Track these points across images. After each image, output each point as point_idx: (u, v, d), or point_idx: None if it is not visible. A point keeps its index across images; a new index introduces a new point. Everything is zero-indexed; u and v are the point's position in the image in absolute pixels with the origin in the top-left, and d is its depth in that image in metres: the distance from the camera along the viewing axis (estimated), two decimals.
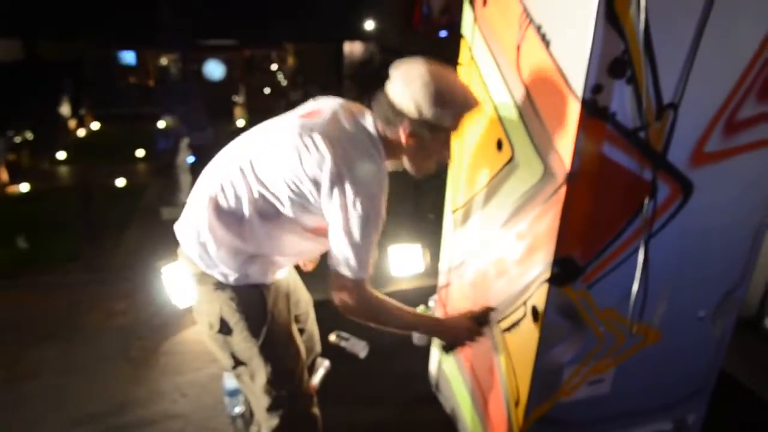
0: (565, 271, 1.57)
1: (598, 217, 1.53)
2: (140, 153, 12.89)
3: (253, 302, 1.66)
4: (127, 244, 8.38)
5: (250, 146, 1.62)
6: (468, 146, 2.02)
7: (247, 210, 1.57)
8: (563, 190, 1.47)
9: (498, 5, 1.72)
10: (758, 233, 1.79)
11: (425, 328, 1.84)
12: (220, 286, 1.63)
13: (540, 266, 1.60)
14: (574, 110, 1.41)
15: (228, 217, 1.59)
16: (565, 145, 1.45)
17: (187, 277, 1.72)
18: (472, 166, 2.01)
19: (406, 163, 1.63)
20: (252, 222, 1.57)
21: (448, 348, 1.82)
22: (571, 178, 1.45)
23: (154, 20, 18.31)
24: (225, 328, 1.66)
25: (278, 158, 1.54)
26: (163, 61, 20.65)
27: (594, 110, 1.40)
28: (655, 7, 1.34)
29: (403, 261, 3.91)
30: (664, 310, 1.77)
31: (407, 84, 1.49)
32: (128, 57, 20.30)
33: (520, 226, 1.70)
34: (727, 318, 1.93)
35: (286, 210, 1.56)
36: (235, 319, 1.65)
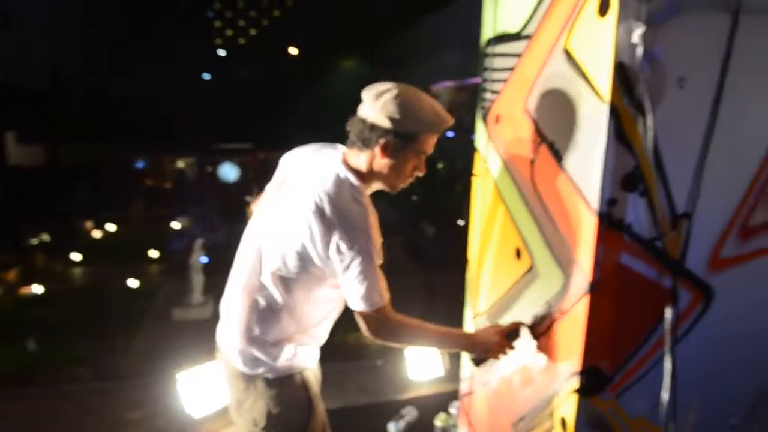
0: (592, 381, 1.55)
1: (623, 325, 1.54)
2: (154, 254, 13.03)
3: (298, 395, 1.73)
4: (138, 347, 8.31)
5: (258, 236, 1.71)
6: (487, 252, 2.06)
7: (277, 293, 1.65)
8: (586, 299, 1.50)
9: (510, 123, 1.82)
10: None
11: (454, 343, 1.84)
12: (266, 382, 1.69)
13: (566, 377, 1.59)
14: (590, 222, 1.46)
15: (265, 309, 1.67)
16: (584, 255, 1.49)
17: (228, 377, 1.78)
18: (492, 272, 2.04)
19: (382, 182, 1.68)
20: (286, 303, 1.65)
21: (477, 361, 1.81)
22: (594, 288, 1.48)
23: (171, 125, 19.20)
24: (271, 422, 1.70)
25: (280, 238, 1.63)
26: (180, 163, 21.43)
27: (611, 222, 1.45)
28: (661, 124, 1.42)
29: (421, 365, 3.85)
30: (696, 418, 1.73)
31: (378, 98, 1.57)
32: (146, 161, 21.05)
33: (545, 335, 1.70)
34: (761, 425, 1.87)
35: (303, 281, 1.63)
36: (281, 411, 1.70)
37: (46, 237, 13.69)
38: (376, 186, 1.71)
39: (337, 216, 1.55)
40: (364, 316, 1.60)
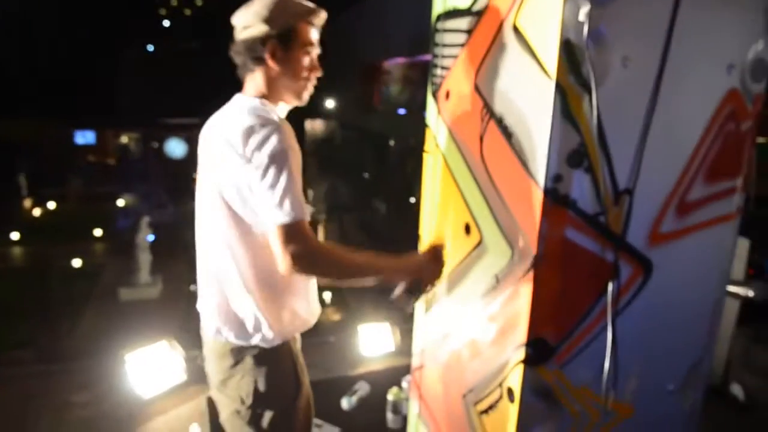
0: (538, 351, 1.60)
1: (567, 298, 1.58)
2: (98, 232, 12.64)
3: (286, 369, 1.72)
4: (84, 328, 8.10)
5: (204, 197, 1.70)
6: (437, 228, 2.08)
7: (249, 246, 1.61)
8: (532, 273, 1.53)
9: (460, 99, 1.83)
10: (717, 307, 1.87)
11: (386, 268, 1.72)
12: (255, 355, 1.67)
13: (513, 348, 1.64)
14: (537, 198, 1.49)
15: (249, 265, 1.63)
16: (530, 229, 1.52)
17: (214, 356, 1.74)
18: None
19: (286, 95, 1.68)
20: (260, 254, 1.61)
21: (415, 291, 1.76)
22: (539, 261, 1.52)
23: (114, 99, 18.48)
24: (259, 399, 1.68)
25: (216, 187, 1.61)
26: (124, 139, 20.69)
27: (556, 198, 1.48)
28: (606, 102, 1.46)
29: (373, 340, 3.89)
30: (635, 386, 1.81)
31: (247, 8, 1.62)
32: (88, 136, 20.25)
33: (493, 308, 1.74)
34: (695, 390, 1.98)
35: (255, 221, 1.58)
36: (269, 387, 1.68)
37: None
38: (284, 103, 1.70)
39: (244, 131, 1.51)
40: (283, 232, 1.48)
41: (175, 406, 3.34)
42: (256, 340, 1.67)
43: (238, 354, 1.69)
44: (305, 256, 1.49)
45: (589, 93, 1.44)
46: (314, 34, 1.68)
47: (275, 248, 1.51)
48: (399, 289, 1.76)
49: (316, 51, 1.70)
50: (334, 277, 1.61)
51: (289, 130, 1.55)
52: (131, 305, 8.64)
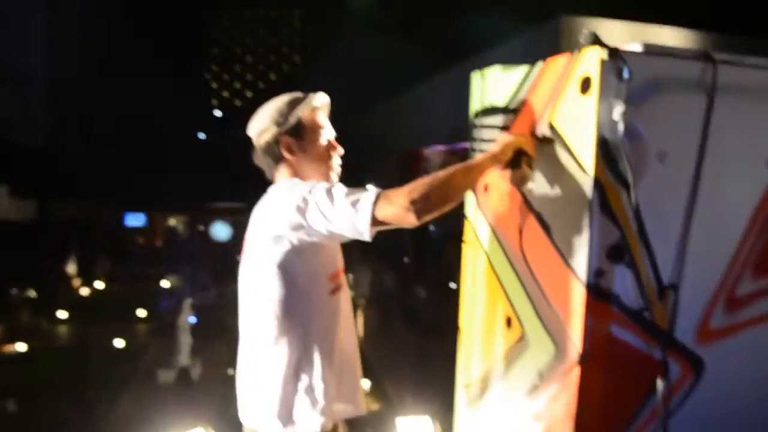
0: None
1: (614, 398, 1.53)
2: (142, 313, 12.85)
3: None
4: (120, 411, 8.08)
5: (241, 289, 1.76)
6: (478, 320, 2.06)
7: (272, 323, 1.62)
8: (577, 370, 1.49)
9: (499, 193, 1.86)
10: None
11: (477, 162, 1.60)
12: None
13: None
14: (579, 292, 1.48)
15: (270, 348, 1.63)
16: (574, 326, 1.50)
17: None
18: (483, 340, 2.03)
19: (313, 176, 1.72)
20: (284, 326, 1.62)
21: (513, 164, 1.63)
22: (584, 359, 1.48)
23: (164, 183, 19.35)
24: None
25: (250, 268, 1.69)
26: (172, 221, 21.46)
27: (598, 293, 1.47)
28: (645, 197, 1.47)
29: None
30: None
31: (256, 117, 1.75)
32: (139, 218, 21.09)
33: (537, 406, 1.68)
34: None
35: (285, 284, 1.60)
36: None
37: (32, 293, 13.50)
38: None
39: (280, 192, 1.63)
40: (379, 205, 1.46)
41: None
42: (294, 428, 1.61)
43: None
44: (417, 202, 1.45)
45: (627, 188, 1.46)
46: (322, 118, 1.78)
47: (390, 217, 1.48)
48: (508, 172, 1.68)
49: (329, 132, 1.79)
50: (448, 194, 1.52)
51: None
52: (170, 388, 8.61)
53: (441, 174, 1.53)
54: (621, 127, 1.43)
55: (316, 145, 1.74)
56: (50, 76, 24.36)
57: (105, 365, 9.23)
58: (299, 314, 1.62)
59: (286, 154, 1.71)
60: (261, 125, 1.73)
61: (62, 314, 12.75)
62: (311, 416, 1.62)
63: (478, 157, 1.65)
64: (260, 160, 1.77)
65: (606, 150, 1.45)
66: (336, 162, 1.80)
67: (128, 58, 30.25)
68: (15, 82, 22.17)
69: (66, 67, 25.25)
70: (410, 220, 1.47)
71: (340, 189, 1.54)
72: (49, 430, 7.45)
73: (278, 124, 1.70)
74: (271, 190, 1.71)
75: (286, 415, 1.61)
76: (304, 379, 1.62)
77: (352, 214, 1.47)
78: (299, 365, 1.62)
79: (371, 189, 1.51)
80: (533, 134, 1.67)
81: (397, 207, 1.46)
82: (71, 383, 8.00)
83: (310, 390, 1.62)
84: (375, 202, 1.47)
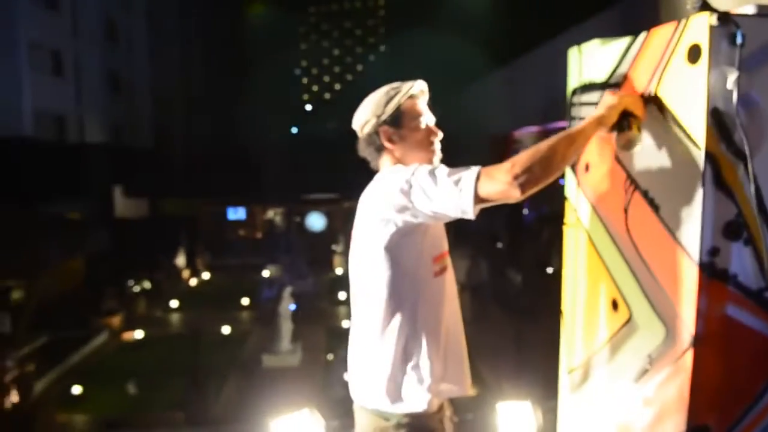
0: None
1: (732, 380, 1.45)
2: (245, 301, 13.52)
3: None
4: (229, 393, 8.57)
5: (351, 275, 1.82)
6: (581, 304, 2.01)
7: (381, 305, 1.66)
8: (690, 353, 1.43)
9: (601, 171, 1.80)
10: None
11: (582, 127, 1.53)
12: (400, 425, 1.65)
13: None
14: (692, 273, 1.41)
15: (380, 329, 1.67)
16: (686, 307, 1.43)
17: (358, 425, 1.76)
18: (587, 324, 1.98)
19: (414, 162, 1.70)
20: (392, 308, 1.66)
21: (619, 126, 1.55)
22: (698, 342, 1.41)
23: (262, 177, 20.17)
24: None
25: (358, 252, 1.75)
26: (270, 214, 22.35)
27: (713, 273, 1.39)
28: (763, 170, 1.37)
29: (513, 420, 3.72)
30: None
31: (358, 111, 1.79)
32: (239, 212, 22.15)
33: (647, 391, 1.63)
34: None
35: (394, 265, 1.64)
36: None
37: (147, 284, 14.56)
38: None
39: (385, 178, 1.67)
40: (482, 182, 1.46)
41: None
42: (402, 407, 1.65)
43: (382, 421, 1.67)
44: (520, 175, 1.43)
45: (744, 161, 1.37)
46: (422, 105, 1.79)
47: (494, 194, 1.47)
48: (615, 135, 1.59)
49: (429, 118, 1.80)
50: (551, 164, 1.47)
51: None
52: (273, 372, 9.02)
53: (543, 145, 1.48)
54: (735, 96, 1.35)
55: (415, 132, 1.76)
56: (155, 83, 25.96)
57: (213, 350, 9.83)
58: (406, 295, 1.66)
59: (386, 144, 1.75)
60: (362, 118, 1.77)
61: (174, 303, 13.67)
62: (418, 394, 1.65)
63: (581, 123, 1.56)
64: (364, 150, 1.81)
65: (719, 121, 1.37)
66: (437, 146, 1.81)
67: (223, 61, 31.66)
68: (126, 90, 23.85)
69: (168, 74, 26.80)
70: (514, 195, 1.45)
71: (442, 169, 1.55)
72: (167, 410, 8.05)
73: (377, 115, 1.74)
74: (376, 178, 1.75)
75: (395, 393, 1.66)
76: (412, 359, 1.66)
77: (456, 192, 1.48)
78: (407, 345, 1.66)
79: (473, 168, 1.50)
80: (641, 94, 1.57)
81: (500, 183, 1.45)
82: (184, 367, 8.56)
83: (417, 369, 1.65)
84: (477, 180, 1.47)
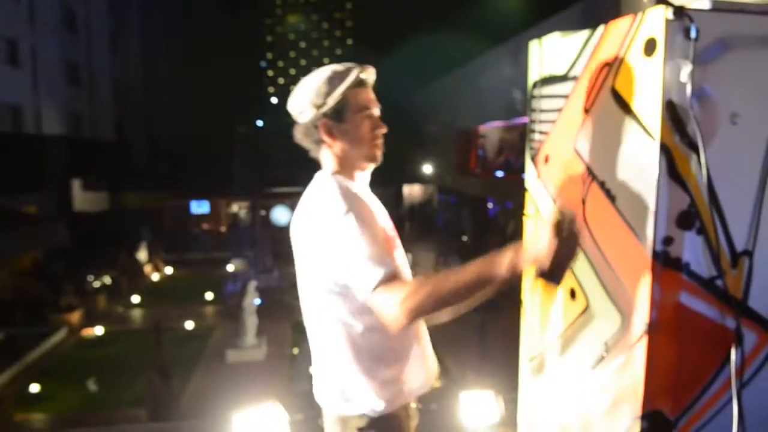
0: (655, 425, 1.50)
1: (685, 367, 1.49)
2: (209, 296, 13.33)
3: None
4: (193, 388, 8.46)
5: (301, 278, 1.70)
6: (540, 294, 2.04)
7: (342, 314, 1.58)
8: (644, 341, 1.46)
9: (560, 163, 1.83)
10: None
11: (496, 269, 1.37)
12: (362, 428, 1.60)
13: (627, 421, 1.55)
14: (646, 261, 1.44)
15: (345, 334, 1.58)
16: (641, 295, 1.47)
17: (327, 425, 1.70)
18: (546, 313, 2.01)
19: (358, 161, 1.63)
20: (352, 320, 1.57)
21: (547, 275, 1.37)
22: (652, 329, 1.45)
23: (226, 170, 19.94)
24: None
25: (306, 268, 1.63)
26: (234, 208, 22.09)
27: (667, 261, 1.42)
28: (715, 160, 1.41)
29: (476, 409, 3.77)
30: None
31: (295, 95, 1.61)
32: (203, 206, 21.83)
33: (603, 378, 1.66)
34: None
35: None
36: None
37: (107, 280, 14.23)
38: (359, 171, 1.66)
39: (313, 211, 1.56)
40: (383, 291, 1.39)
41: None
42: (361, 409, 1.59)
43: (345, 423, 1.62)
44: (408, 309, 1.37)
45: (697, 152, 1.41)
46: (369, 94, 1.63)
47: (377, 312, 1.43)
48: (535, 278, 1.44)
49: (375, 109, 1.63)
50: (448, 306, 1.43)
51: (356, 198, 1.55)
52: (238, 366, 8.93)
53: (446, 285, 1.38)
54: (689, 88, 1.38)
55: (359, 127, 1.60)
56: (116, 75, 25.34)
57: (176, 346, 9.68)
58: (356, 296, 1.54)
59: (325, 138, 1.60)
60: (299, 105, 1.60)
61: (135, 299, 13.40)
62: (379, 395, 1.59)
63: (491, 262, 1.38)
64: (302, 139, 1.66)
65: (673, 113, 1.40)
66: (379, 141, 1.65)
67: (187, 53, 31.08)
68: (84, 81, 23.21)
69: (129, 65, 26.19)
70: (394, 324, 1.40)
71: (365, 246, 1.44)
72: (130, 406, 7.89)
73: (317, 105, 1.56)
74: (312, 190, 1.63)
75: (354, 395, 1.60)
76: (370, 360, 1.59)
77: (362, 273, 1.43)
78: (358, 346, 1.58)
79: (381, 271, 1.41)
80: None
81: (388, 307, 1.39)
82: (146, 364, 8.39)
83: (374, 369, 1.59)
84: (378, 284, 1.40)
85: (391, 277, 1.41)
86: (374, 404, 1.60)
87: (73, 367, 9.57)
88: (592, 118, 1.67)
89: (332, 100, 1.56)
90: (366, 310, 1.50)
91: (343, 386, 1.62)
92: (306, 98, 1.59)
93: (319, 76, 1.59)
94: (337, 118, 1.58)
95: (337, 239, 1.47)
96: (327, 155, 1.64)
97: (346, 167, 1.64)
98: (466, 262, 1.44)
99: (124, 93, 25.87)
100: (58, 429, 7.68)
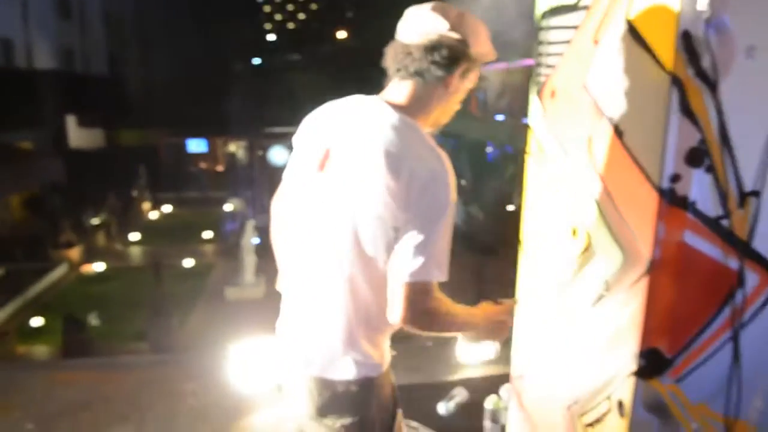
0: (652, 363, 1.51)
1: (685, 306, 1.48)
2: (208, 234, 13.38)
3: (386, 395, 1.57)
4: (193, 324, 8.60)
5: (323, 224, 1.49)
6: (540, 232, 2.02)
7: (367, 275, 1.44)
8: (646, 279, 1.45)
9: (567, 97, 1.77)
10: None
11: (478, 325, 1.58)
12: (359, 385, 1.50)
13: (625, 358, 1.55)
14: (652, 199, 1.41)
15: (363, 299, 1.46)
16: (645, 233, 1.44)
17: (311, 389, 1.55)
18: (546, 252, 2.00)
19: (428, 119, 1.47)
20: (378, 283, 1.43)
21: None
22: (654, 267, 1.43)
23: (224, 110, 19.63)
24: (358, 429, 1.52)
25: (352, 215, 1.42)
26: (232, 147, 21.88)
27: (673, 199, 1.39)
28: (729, 97, 1.35)
29: (471, 347, 3.83)
30: (760, 404, 1.66)
31: (433, 19, 1.38)
32: (200, 144, 21.62)
33: (602, 316, 1.66)
34: None
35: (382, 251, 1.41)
36: (371, 416, 1.53)
37: (105, 217, 14.25)
38: (422, 124, 1.45)
39: (403, 164, 1.33)
40: (412, 289, 1.33)
41: (279, 399, 3.46)
42: (364, 372, 1.50)
43: (341, 385, 1.51)
44: (425, 317, 1.38)
45: (711, 87, 1.35)
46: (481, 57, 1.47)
47: (396, 298, 1.36)
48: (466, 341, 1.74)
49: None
50: (438, 332, 1.54)
51: (452, 173, 1.40)
52: (237, 304, 9.06)
53: (456, 323, 1.52)
54: (707, 18, 1.31)
55: (461, 93, 1.49)
56: (108, 8, 24.59)
57: (176, 283, 9.78)
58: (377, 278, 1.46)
59: (453, 80, 1.42)
60: (446, 27, 1.37)
61: (134, 236, 13.45)
62: (370, 362, 1.52)
63: (480, 318, 1.59)
64: (402, 60, 1.41)
65: (688, 44, 1.33)
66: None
67: None
68: (76, 14, 22.52)
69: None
70: (398, 319, 1.37)
71: (443, 244, 1.37)
72: (132, 340, 8.04)
73: (469, 46, 1.39)
74: (388, 124, 1.38)
75: (347, 358, 1.51)
76: (372, 323, 1.50)
77: (423, 262, 1.33)
78: (367, 307, 1.48)
79: (437, 274, 1.36)
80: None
81: (411, 305, 1.35)
82: (147, 299, 8.50)
83: (370, 338, 1.51)
84: (425, 282, 1.35)
85: (433, 285, 1.37)
86: (379, 365, 1.54)
87: (74, 302, 9.69)
88: (603, 50, 1.60)
89: (477, 53, 1.42)
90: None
91: (344, 349, 1.48)
92: (463, 24, 1.39)
93: (479, 23, 1.43)
94: (466, 74, 1.45)
95: (428, 216, 1.34)
96: (421, 90, 1.43)
97: (421, 114, 1.45)
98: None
99: (117, 27, 25.15)
100: (60, 360, 7.85)
